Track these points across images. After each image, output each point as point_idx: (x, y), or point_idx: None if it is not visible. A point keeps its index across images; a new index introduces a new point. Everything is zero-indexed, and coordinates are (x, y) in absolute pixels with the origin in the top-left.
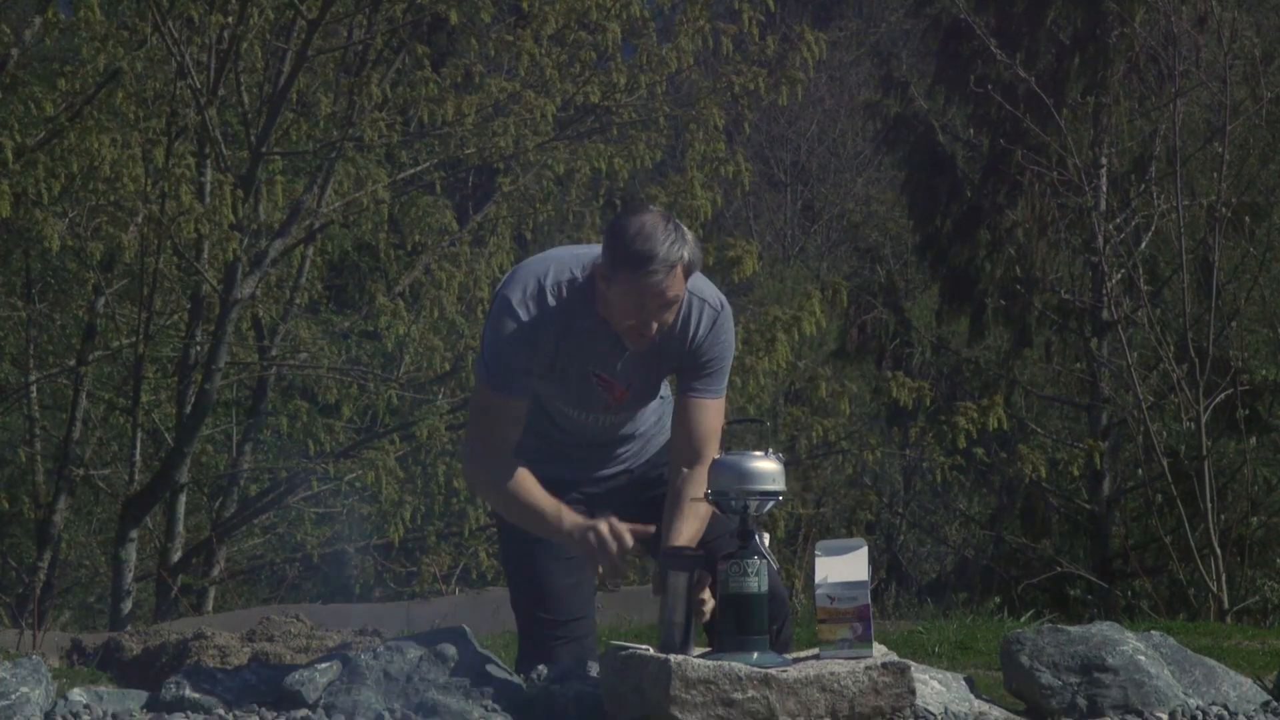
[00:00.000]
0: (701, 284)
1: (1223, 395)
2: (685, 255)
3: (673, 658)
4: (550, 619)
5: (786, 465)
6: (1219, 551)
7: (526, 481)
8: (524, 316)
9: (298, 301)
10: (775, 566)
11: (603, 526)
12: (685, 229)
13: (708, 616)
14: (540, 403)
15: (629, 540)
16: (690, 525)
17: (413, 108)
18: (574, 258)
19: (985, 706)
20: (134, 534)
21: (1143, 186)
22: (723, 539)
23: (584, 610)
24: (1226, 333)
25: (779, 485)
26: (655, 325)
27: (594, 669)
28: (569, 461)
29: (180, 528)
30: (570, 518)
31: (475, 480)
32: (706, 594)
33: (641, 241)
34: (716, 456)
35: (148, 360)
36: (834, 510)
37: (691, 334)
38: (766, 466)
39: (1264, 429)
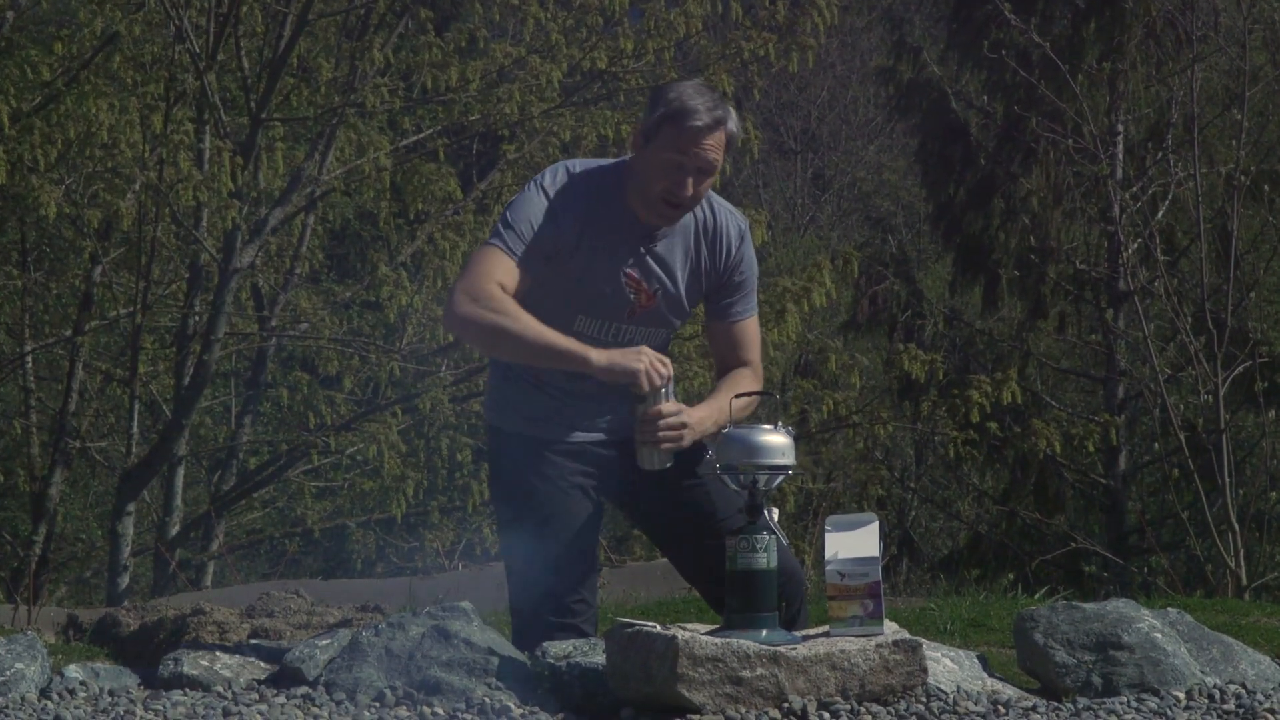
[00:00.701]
0: (725, 201)
1: (1241, 368)
2: (729, 121)
3: (680, 635)
4: (559, 601)
5: (796, 439)
6: (1237, 527)
7: (530, 318)
8: (551, 191)
9: (298, 271)
10: (785, 542)
11: (639, 366)
12: (733, 109)
13: (671, 438)
14: (552, 316)
15: (665, 361)
16: (731, 382)
17: (416, 73)
18: (603, 162)
19: (998, 685)
20: (131, 508)
21: (1160, 154)
22: (733, 516)
23: (591, 596)
24: (1245, 304)
25: (789, 459)
26: (690, 191)
27: (600, 646)
28: (561, 416)
29: (178, 501)
30: (595, 352)
31: (467, 318)
32: (668, 408)
33: (689, 95)
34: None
35: (145, 330)
36: (844, 485)
37: (725, 242)
38: (776, 440)
39: None
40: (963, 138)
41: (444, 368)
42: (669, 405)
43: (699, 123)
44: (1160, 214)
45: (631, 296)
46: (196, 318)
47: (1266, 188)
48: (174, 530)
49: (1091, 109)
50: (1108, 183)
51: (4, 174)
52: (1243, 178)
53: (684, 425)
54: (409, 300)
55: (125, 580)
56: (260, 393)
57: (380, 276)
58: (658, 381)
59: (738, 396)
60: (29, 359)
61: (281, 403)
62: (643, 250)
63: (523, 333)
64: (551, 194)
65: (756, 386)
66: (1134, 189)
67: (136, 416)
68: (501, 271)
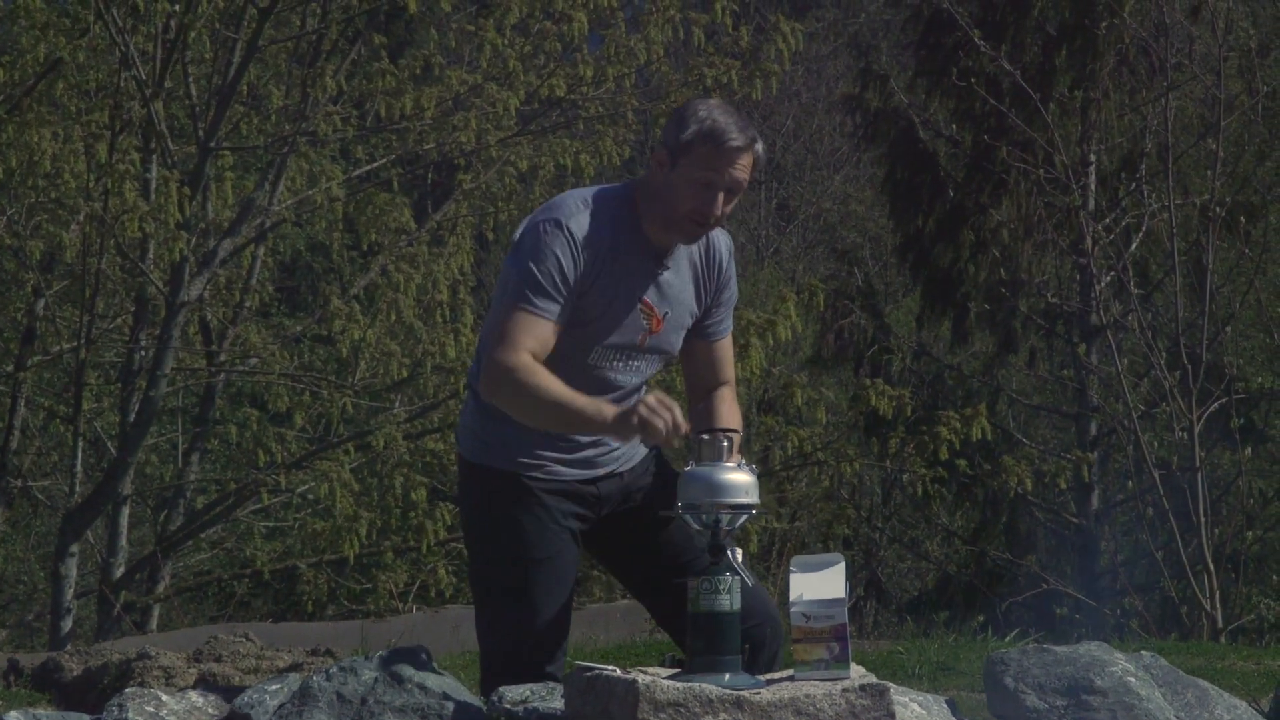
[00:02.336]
0: None
1: (1217, 404)
2: (758, 143)
3: (641, 679)
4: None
5: (760, 477)
6: (1212, 568)
7: (555, 381)
8: (574, 229)
9: (248, 304)
10: (750, 583)
11: (650, 399)
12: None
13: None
14: (570, 349)
15: (672, 406)
16: (729, 411)
17: (369, 101)
18: (611, 186)
19: None
20: (75, 548)
21: (1133, 185)
22: (701, 556)
23: (564, 642)
24: (1221, 338)
25: (752, 498)
26: (719, 211)
27: (558, 691)
28: (544, 453)
29: (123, 542)
30: (609, 406)
31: (498, 383)
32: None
33: (720, 114)
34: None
35: (90, 366)
36: (810, 524)
37: (719, 261)
38: (739, 478)
39: (1260, 439)
40: (931, 168)
41: (398, 404)
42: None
43: (736, 143)
44: (1134, 246)
45: (645, 323)
46: (143, 353)
47: (1242, 219)
48: (119, 572)
49: (1063, 138)
50: (1080, 214)
51: None
52: (1218, 209)
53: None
54: (362, 334)
55: (68, 623)
56: (208, 430)
57: (332, 310)
58: (679, 423)
59: (709, 432)
60: None
61: (230, 440)
62: (656, 275)
63: (546, 395)
64: (575, 233)
65: (736, 405)
66: (1107, 220)
67: (80, 454)
68: (532, 338)
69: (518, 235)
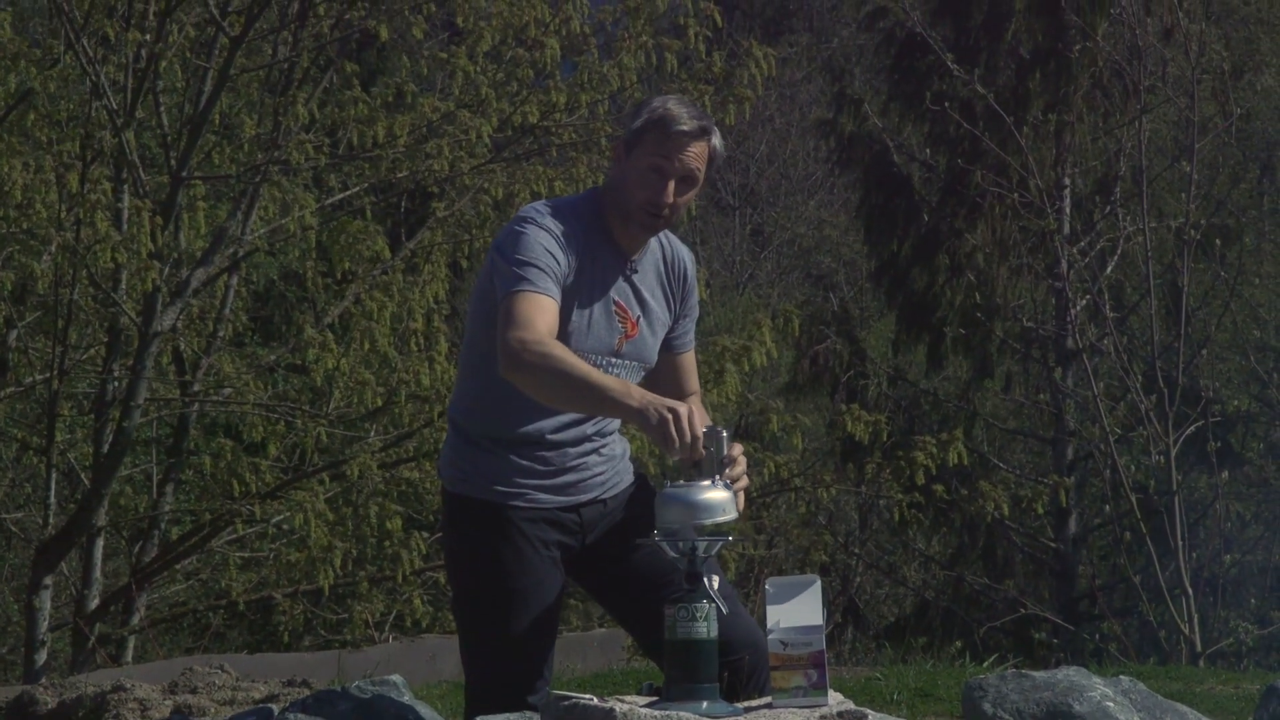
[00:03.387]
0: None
1: (1193, 427)
2: (713, 135)
3: (618, 708)
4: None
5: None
6: (1191, 591)
7: (576, 359)
8: (549, 223)
9: (221, 334)
10: (724, 610)
11: (681, 407)
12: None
13: (740, 474)
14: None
15: (699, 423)
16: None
17: (342, 129)
18: (569, 196)
19: None
20: (48, 581)
21: (1107, 208)
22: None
23: (547, 672)
24: (1197, 361)
25: (730, 515)
26: (671, 199)
27: None
28: (525, 481)
29: (98, 574)
30: (636, 388)
31: (517, 357)
32: (737, 450)
33: (673, 103)
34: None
35: (63, 397)
36: (787, 551)
37: (682, 270)
38: (716, 496)
39: (1236, 462)
40: (905, 192)
41: (373, 433)
42: (737, 446)
43: (684, 128)
44: (1109, 269)
45: (620, 326)
46: (116, 383)
47: (1218, 242)
48: (93, 604)
49: (1038, 162)
50: (1055, 238)
51: None
52: (1193, 231)
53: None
54: (336, 363)
55: (43, 656)
56: (182, 460)
57: (306, 339)
58: (687, 435)
59: (709, 428)
60: None
61: (204, 470)
62: (624, 277)
63: (572, 372)
64: (552, 225)
65: (705, 414)
66: (1082, 244)
67: (54, 486)
68: (542, 316)
69: (495, 244)
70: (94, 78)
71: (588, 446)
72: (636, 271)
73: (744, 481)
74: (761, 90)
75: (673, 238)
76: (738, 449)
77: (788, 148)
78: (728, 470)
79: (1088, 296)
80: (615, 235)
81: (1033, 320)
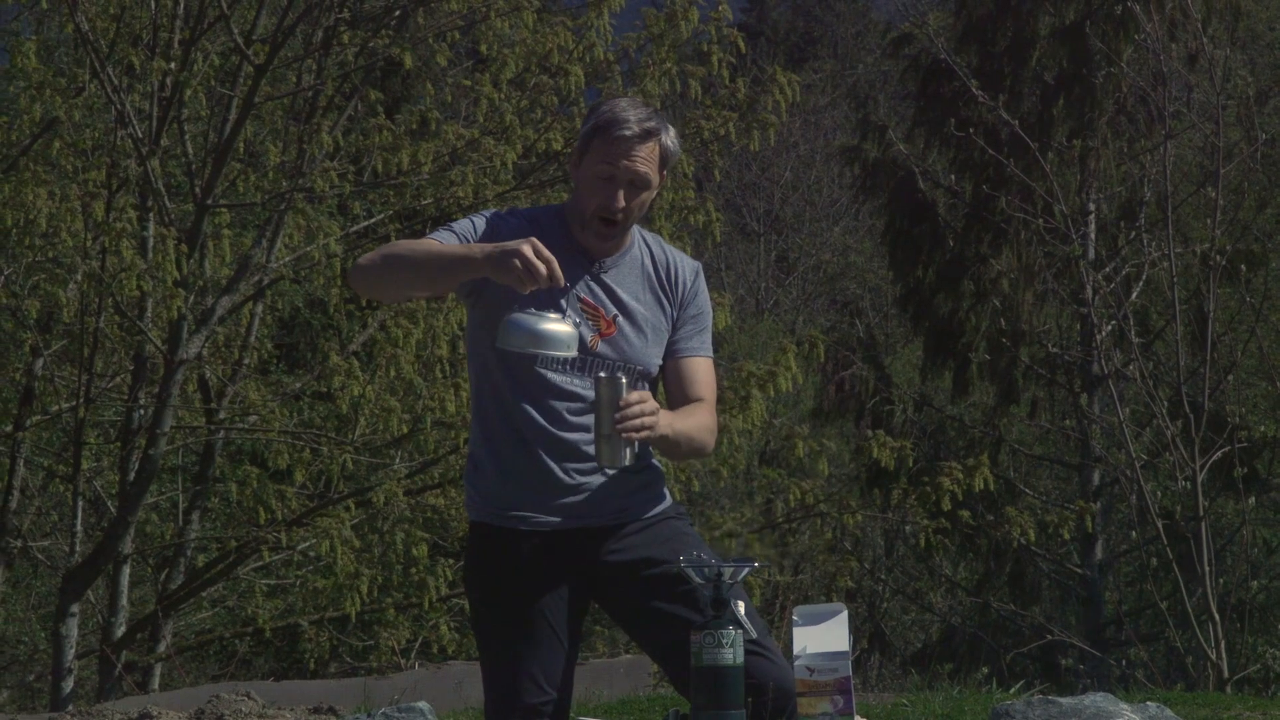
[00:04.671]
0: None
1: (1220, 453)
2: (662, 135)
3: None
4: (526, 704)
5: (762, 530)
6: (1218, 617)
7: (415, 241)
8: (493, 219)
9: (246, 362)
10: (754, 634)
11: (523, 244)
12: (671, 126)
13: (638, 425)
14: (515, 375)
15: (550, 258)
16: (688, 412)
17: (366, 156)
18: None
19: None
20: (75, 608)
21: (1133, 234)
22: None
23: (563, 689)
24: (1223, 387)
25: (570, 352)
26: (621, 204)
27: None
28: (529, 503)
29: (124, 601)
30: (483, 245)
31: (356, 268)
32: (634, 396)
33: (620, 108)
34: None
35: (89, 425)
36: (813, 577)
37: (680, 277)
38: (559, 329)
39: (1263, 488)
40: (930, 218)
41: (398, 460)
42: (636, 394)
43: (627, 132)
44: (1134, 295)
45: (590, 322)
46: (141, 411)
47: (1243, 267)
48: (120, 631)
49: (1062, 187)
50: (1080, 263)
51: None
52: (1218, 257)
53: (655, 411)
54: (361, 390)
55: (70, 684)
56: (208, 488)
57: (331, 366)
58: (538, 266)
59: (609, 374)
60: None
61: (230, 498)
62: (589, 277)
63: (411, 250)
64: (495, 220)
65: (711, 422)
66: (1107, 269)
67: (80, 514)
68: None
69: None
70: (119, 106)
71: (595, 472)
72: (606, 271)
73: (645, 433)
74: (786, 116)
75: (671, 248)
76: (635, 395)
77: (812, 174)
78: (617, 415)
79: (1113, 322)
80: (578, 238)
81: (1058, 346)
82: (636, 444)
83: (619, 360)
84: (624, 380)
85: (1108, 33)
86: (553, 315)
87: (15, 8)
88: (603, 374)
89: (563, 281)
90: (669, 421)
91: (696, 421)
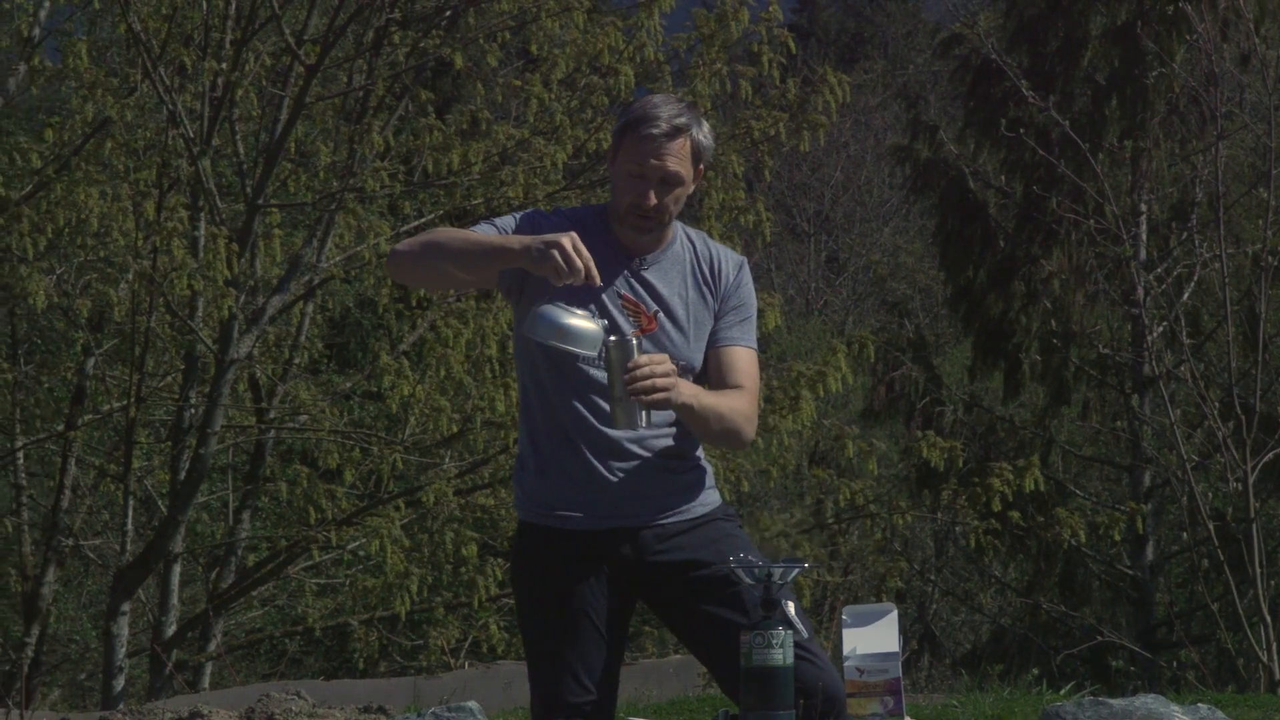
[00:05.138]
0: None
1: (1271, 454)
2: (694, 130)
3: None
4: (568, 704)
5: (812, 530)
6: (1269, 619)
7: (456, 229)
8: (548, 214)
9: (297, 361)
10: (805, 634)
11: (563, 238)
12: (704, 120)
13: (649, 387)
14: (561, 372)
15: (588, 257)
16: (721, 394)
17: (416, 156)
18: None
19: None
20: (126, 607)
21: (1184, 234)
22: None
23: (606, 689)
24: (1275, 388)
25: (589, 351)
26: (653, 202)
27: None
28: (573, 503)
29: (175, 600)
30: (520, 237)
31: (393, 254)
32: (643, 359)
33: (652, 105)
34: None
35: (140, 424)
36: (862, 577)
37: (723, 271)
38: (585, 326)
39: None
40: (981, 218)
41: (448, 459)
42: (646, 356)
43: (655, 130)
44: (1185, 296)
45: (631, 319)
46: (192, 410)
47: None
48: (170, 630)
49: (1113, 188)
50: (1131, 264)
51: None
52: (1270, 258)
53: (669, 374)
54: (411, 390)
55: (121, 683)
56: (259, 487)
57: (381, 366)
58: (574, 260)
59: (621, 338)
60: (20, 455)
61: (281, 497)
62: (630, 274)
63: (451, 237)
64: (536, 217)
65: (748, 410)
66: (1158, 270)
67: (131, 513)
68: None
69: None
70: (171, 106)
71: (639, 469)
72: (647, 268)
73: (658, 395)
74: (836, 117)
75: (715, 243)
76: (644, 358)
77: (862, 174)
78: (626, 376)
79: (1164, 323)
80: (620, 236)
81: (1109, 347)
82: (650, 408)
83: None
84: (634, 343)
85: (1159, 33)
86: (581, 312)
87: (68, 8)
88: (613, 337)
89: (598, 281)
90: (693, 393)
91: (729, 403)
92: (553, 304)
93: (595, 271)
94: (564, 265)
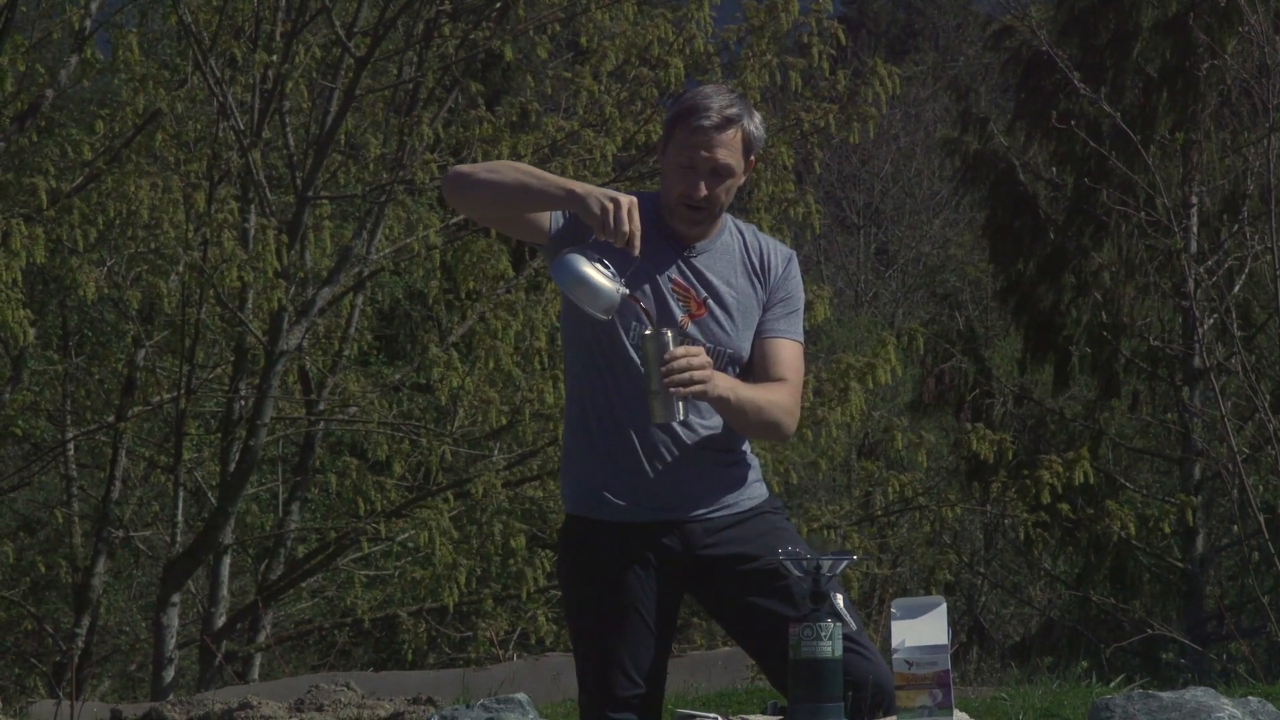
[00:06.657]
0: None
1: None
2: (745, 121)
3: None
4: (615, 697)
5: (860, 523)
6: None
7: (517, 163)
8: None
9: (346, 353)
10: (854, 626)
11: (624, 198)
12: (755, 111)
13: (686, 379)
14: (606, 333)
15: (638, 225)
16: (759, 386)
17: (466, 148)
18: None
19: None
20: (176, 598)
21: (1235, 227)
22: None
23: (654, 682)
24: None
25: (600, 315)
26: (704, 193)
27: None
28: (619, 493)
29: (224, 591)
30: (574, 181)
31: (462, 173)
32: (680, 350)
33: (703, 96)
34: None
35: (190, 416)
36: (911, 570)
37: (772, 263)
38: (604, 284)
39: None
40: (1031, 210)
41: (496, 451)
42: (682, 348)
43: (706, 122)
44: (1236, 288)
45: (681, 304)
46: (242, 402)
47: None
48: (220, 621)
49: (1164, 180)
50: (1182, 256)
51: (43, 255)
52: None
53: (705, 366)
54: (460, 382)
55: (170, 673)
56: (308, 479)
57: (431, 358)
58: (624, 221)
59: (654, 329)
60: (70, 446)
61: (330, 489)
62: (682, 261)
63: (511, 167)
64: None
65: (789, 403)
66: (1209, 263)
67: (181, 504)
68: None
69: None
70: (221, 98)
71: (686, 461)
72: (697, 256)
73: (695, 387)
74: (886, 109)
75: (765, 236)
76: (681, 350)
77: (912, 166)
78: (663, 369)
79: (1215, 315)
80: (671, 225)
81: (1159, 339)
82: (687, 400)
83: (708, 343)
84: (669, 334)
85: (1211, 25)
86: (606, 270)
87: (119, 0)
88: (648, 330)
89: (637, 249)
90: (730, 385)
91: (768, 396)
92: (583, 252)
93: (638, 243)
94: (611, 220)
